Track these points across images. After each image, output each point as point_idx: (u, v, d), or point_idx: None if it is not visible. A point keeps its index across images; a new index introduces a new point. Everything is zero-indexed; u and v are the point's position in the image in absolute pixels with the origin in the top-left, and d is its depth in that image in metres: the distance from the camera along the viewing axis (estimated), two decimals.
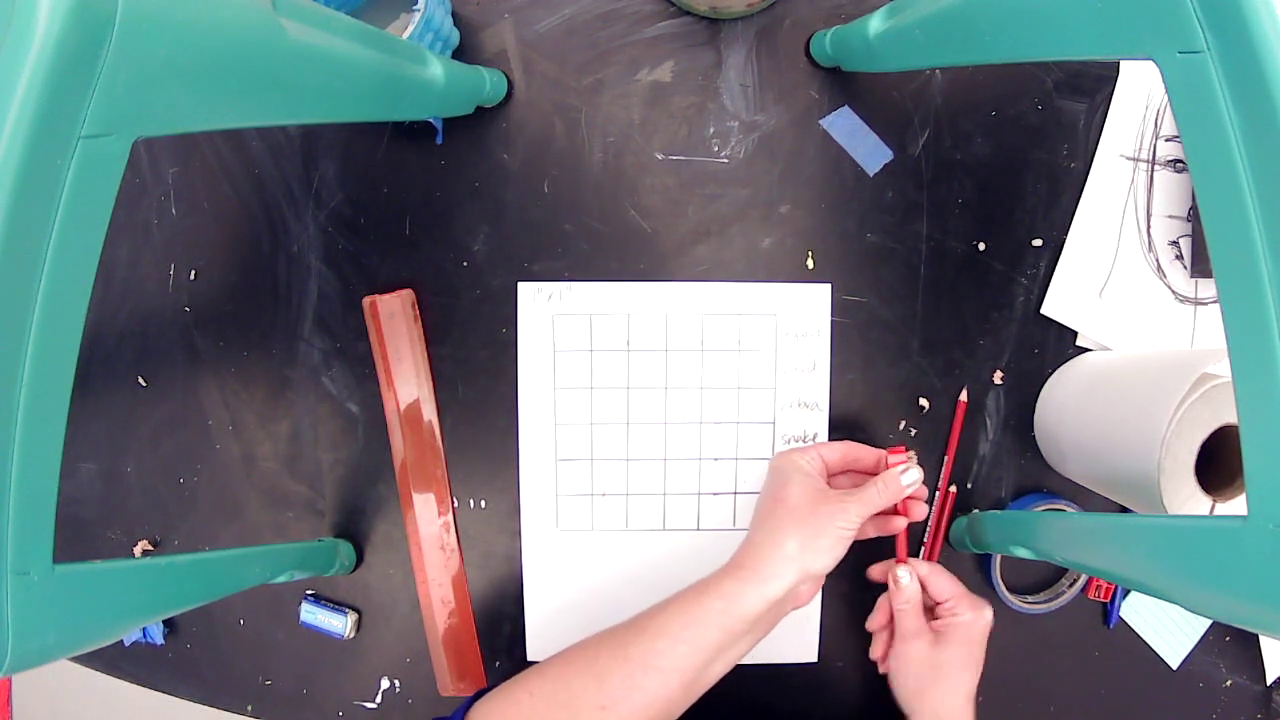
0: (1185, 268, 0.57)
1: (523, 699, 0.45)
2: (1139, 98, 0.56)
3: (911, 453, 0.49)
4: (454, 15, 0.55)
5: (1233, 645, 0.61)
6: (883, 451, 0.50)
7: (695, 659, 0.44)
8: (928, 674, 0.50)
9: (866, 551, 0.59)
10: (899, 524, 0.50)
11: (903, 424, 0.59)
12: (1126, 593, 0.59)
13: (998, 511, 0.54)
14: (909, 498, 0.50)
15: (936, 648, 0.50)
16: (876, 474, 0.49)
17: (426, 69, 0.45)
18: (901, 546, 0.52)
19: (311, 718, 0.60)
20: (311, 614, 0.58)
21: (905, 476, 0.48)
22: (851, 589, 0.59)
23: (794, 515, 0.46)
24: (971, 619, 0.50)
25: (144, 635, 0.59)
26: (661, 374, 0.58)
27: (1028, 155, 0.57)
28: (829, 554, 0.46)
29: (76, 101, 0.25)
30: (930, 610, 0.52)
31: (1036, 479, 0.59)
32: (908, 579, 0.50)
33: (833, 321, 0.58)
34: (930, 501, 0.59)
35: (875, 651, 0.55)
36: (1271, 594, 0.28)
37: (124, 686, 0.61)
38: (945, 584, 0.51)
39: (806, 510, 0.46)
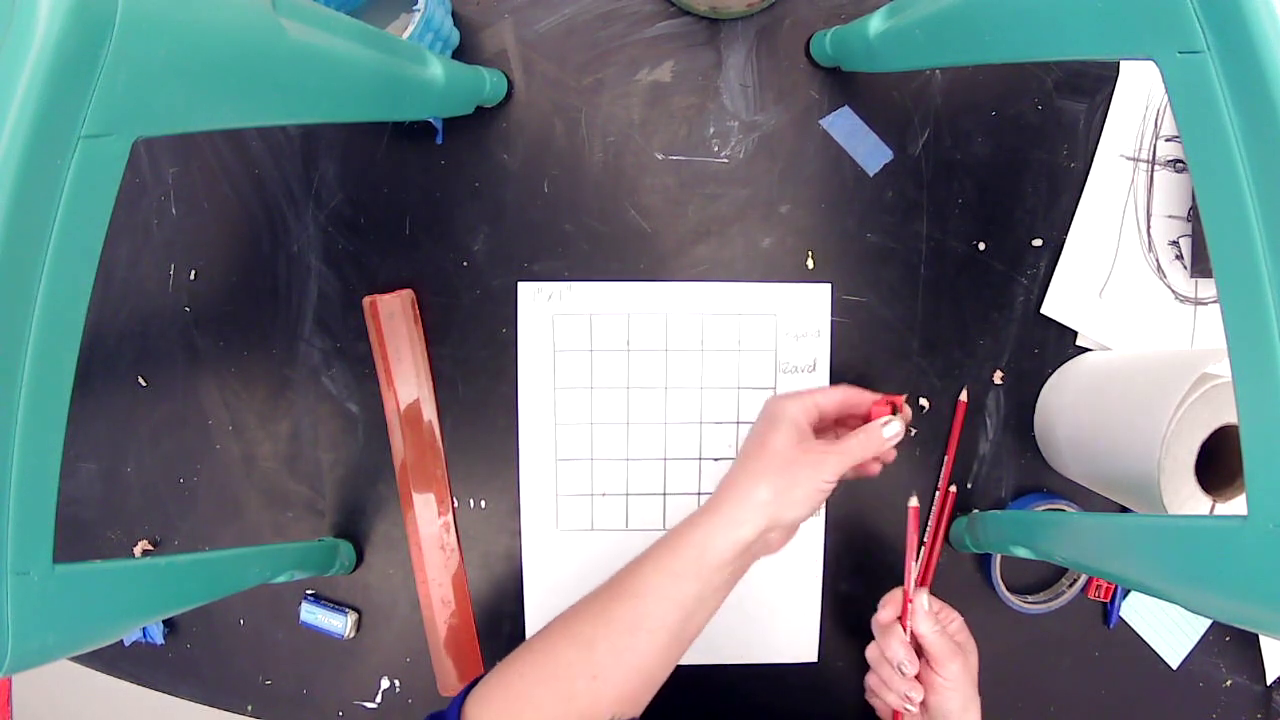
0: (1185, 268, 0.57)
1: (514, 681, 0.45)
2: (1139, 98, 0.56)
3: (897, 402, 0.47)
4: (454, 15, 0.55)
5: (1233, 645, 0.61)
6: (877, 397, 0.48)
7: (678, 613, 0.44)
8: (969, 691, 0.50)
9: (868, 552, 0.59)
10: (874, 469, 0.50)
11: None
12: (1126, 593, 0.59)
13: (998, 511, 0.54)
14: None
15: (967, 665, 0.50)
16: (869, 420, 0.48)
17: (426, 69, 0.45)
18: (909, 579, 0.50)
19: (311, 718, 0.60)
20: (311, 614, 0.58)
21: (887, 430, 0.46)
22: (851, 589, 0.59)
23: (773, 463, 0.45)
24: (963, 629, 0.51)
25: (144, 635, 0.59)
26: (661, 374, 0.58)
27: (1028, 155, 0.57)
28: (802, 506, 0.45)
29: (76, 101, 0.25)
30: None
31: (1036, 479, 0.59)
32: (928, 604, 0.50)
33: (833, 321, 0.58)
34: (930, 501, 0.59)
35: (914, 696, 0.50)
36: (1271, 594, 0.28)
37: (124, 686, 0.61)
38: (931, 600, 0.51)
39: (787, 459, 0.45)
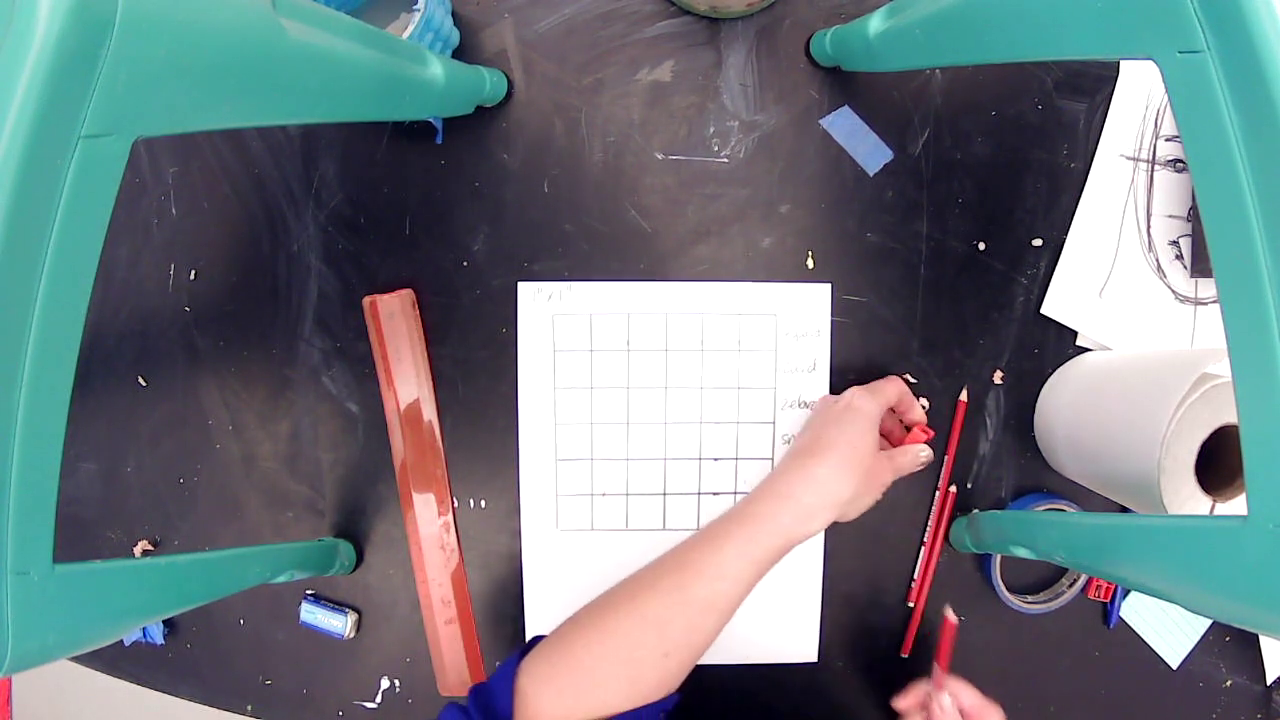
0: (1185, 268, 0.57)
1: (579, 657, 0.43)
2: (1139, 98, 0.56)
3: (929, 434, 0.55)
4: (454, 15, 0.55)
5: (1233, 645, 0.61)
6: (915, 415, 0.54)
7: (746, 594, 0.45)
8: None
9: (868, 552, 0.59)
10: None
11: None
12: (1126, 593, 0.59)
13: (998, 511, 0.54)
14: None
15: None
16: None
17: (426, 69, 0.45)
18: (943, 657, 0.51)
19: (311, 718, 0.60)
20: (311, 614, 0.58)
21: (924, 454, 0.53)
22: (851, 589, 0.59)
23: (859, 464, 0.47)
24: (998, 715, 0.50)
25: (144, 635, 0.59)
26: (661, 374, 0.58)
27: (1028, 155, 0.57)
28: (862, 511, 0.49)
29: (76, 101, 0.25)
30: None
31: (1036, 479, 0.59)
32: (949, 701, 0.49)
33: (833, 321, 0.58)
34: (930, 501, 0.59)
35: None
36: (1271, 594, 0.28)
37: (124, 686, 0.61)
38: (968, 694, 0.50)
39: (870, 464, 0.48)
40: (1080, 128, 0.57)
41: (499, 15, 0.56)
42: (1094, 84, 0.57)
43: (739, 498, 0.59)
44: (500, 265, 0.57)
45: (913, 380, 0.58)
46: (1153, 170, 0.57)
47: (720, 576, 0.44)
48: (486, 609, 0.59)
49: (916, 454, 0.52)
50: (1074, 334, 0.58)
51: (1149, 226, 0.57)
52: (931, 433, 0.54)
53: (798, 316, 0.57)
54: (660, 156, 0.57)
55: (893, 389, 0.52)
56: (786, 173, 0.57)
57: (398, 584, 0.59)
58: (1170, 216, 0.57)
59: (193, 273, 0.58)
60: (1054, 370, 0.58)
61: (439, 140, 0.56)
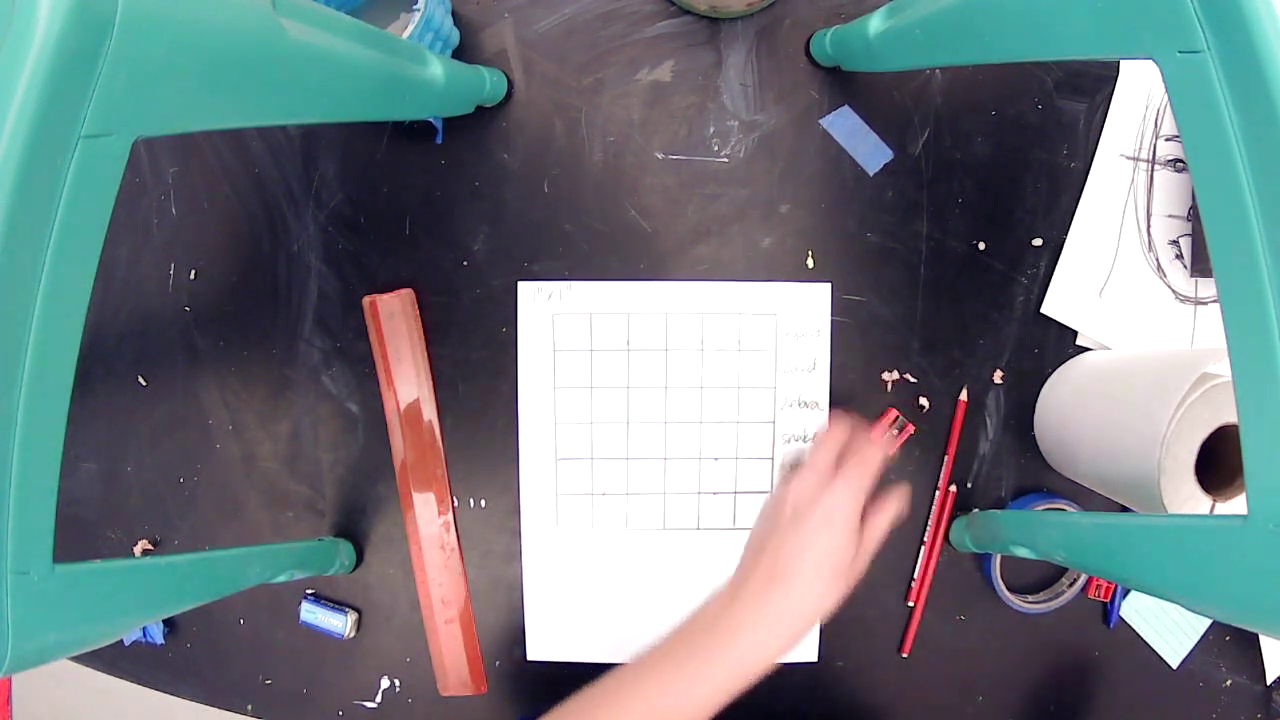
0: (1185, 268, 0.57)
1: None
2: (1139, 98, 0.56)
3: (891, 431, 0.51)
4: (454, 15, 0.55)
5: (1233, 645, 0.61)
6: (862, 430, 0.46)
7: None
8: None
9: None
10: None
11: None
12: (1126, 593, 0.59)
13: (998, 511, 0.54)
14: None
15: None
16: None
17: (426, 69, 0.45)
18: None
19: (311, 718, 0.60)
20: (311, 614, 0.58)
21: (895, 509, 0.46)
22: (851, 589, 0.59)
23: (844, 576, 0.44)
24: None
25: (144, 635, 0.59)
26: (661, 373, 0.58)
27: (1028, 155, 0.57)
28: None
29: (76, 101, 0.25)
30: None
31: (1036, 479, 0.59)
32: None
33: (833, 321, 0.58)
34: (930, 501, 0.59)
35: None
36: (1271, 594, 0.28)
37: (124, 686, 0.61)
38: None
39: (850, 574, 0.44)
40: (1080, 128, 0.57)
41: (499, 15, 0.56)
42: (1094, 84, 0.57)
43: (738, 498, 0.59)
44: (500, 265, 0.57)
45: (913, 380, 0.58)
46: (1153, 170, 0.57)
47: (705, 711, 0.42)
48: (486, 609, 0.59)
49: (885, 520, 0.45)
50: (1074, 334, 0.58)
51: (1149, 226, 0.57)
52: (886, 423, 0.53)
53: (798, 316, 0.57)
54: (660, 156, 0.57)
55: (875, 458, 0.45)
56: (786, 173, 0.57)
57: (398, 584, 0.59)
58: (1170, 216, 0.57)
59: (193, 273, 0.58)
60: (1054, 370, 0.58)
61: (439, 140, 0.56)
